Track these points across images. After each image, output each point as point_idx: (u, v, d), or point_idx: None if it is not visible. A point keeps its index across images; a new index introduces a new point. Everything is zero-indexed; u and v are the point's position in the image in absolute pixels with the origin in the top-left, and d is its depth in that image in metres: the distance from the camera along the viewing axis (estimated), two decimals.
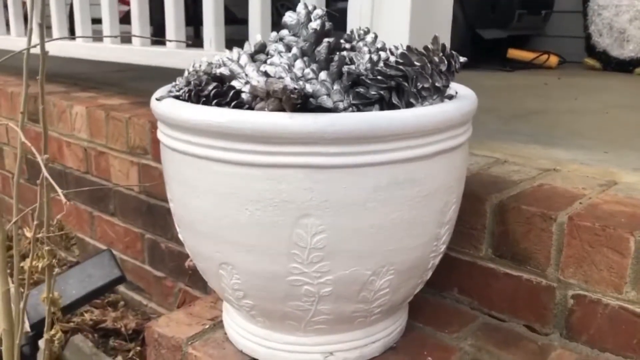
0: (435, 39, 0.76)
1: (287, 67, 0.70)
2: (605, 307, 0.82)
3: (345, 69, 0.72)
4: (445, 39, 1.14)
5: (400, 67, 0.71)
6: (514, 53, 2.97)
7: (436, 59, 0.73)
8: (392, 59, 0.75)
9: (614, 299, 0.81)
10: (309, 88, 0.67)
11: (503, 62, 2.91)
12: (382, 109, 0.70)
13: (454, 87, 0.81)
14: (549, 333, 0.88)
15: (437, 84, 0.73)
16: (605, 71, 2.78)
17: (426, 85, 0.71)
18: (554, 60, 2.88)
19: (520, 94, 2.16)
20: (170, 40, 1.49)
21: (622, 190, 0.96)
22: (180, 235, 0.80)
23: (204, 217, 0.70)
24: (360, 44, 0.81)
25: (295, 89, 0.62)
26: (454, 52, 0.75)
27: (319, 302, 0.70)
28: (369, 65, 0.74)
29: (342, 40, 0.82)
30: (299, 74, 0.69)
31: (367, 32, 0.85)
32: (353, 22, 1.11)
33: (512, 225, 0.90)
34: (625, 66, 2.72)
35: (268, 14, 1.32)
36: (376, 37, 0.84)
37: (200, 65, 0.82)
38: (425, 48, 0.74)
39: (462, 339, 0.87)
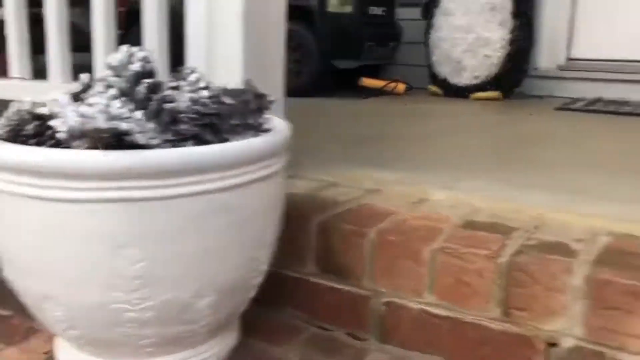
0: (247, 82, 0.85)
1: (104, 106, 0.75)
2: (410, 310, 0.94)
3: (167, 106, 0.78)
4: (278, 77, 1.23)
5: (215, 105, 0.79)
6: (366, 81, 3.18)
7: (248, 98, 0.82)
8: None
9: (416, 302, 0.93)
10: (124, 126, 0.72)
11: (357, 90, 3.11)
12: (199, 144, 0.77)
13: (275, 122, 0.89)
14: (367, 338, 0.98)
15: (249, 121, 0.81)
16: (446, 97, 3.07)
17: (238, 122, 0.79)
18: (401, 87, 3.13)
19: (365, 121, 2.32)
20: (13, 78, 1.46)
21: (430, 207, 1.09)
22: (3, 273, 0.81)
23: (24, 254, 0.72)
24: (183, 82, 0.88)
25: (106, 128, 0.67)
26: (265, 93, 0.84)
27: (143, 326, 0.75)
28: (189, 103, 0.81)
29: (169, 79, 0.88)
30: (116, 113, 0.74)
31: (192, 72, 0.92)
32: (192, 62, 1.17)
33: (333, 243, 0.99)
34: (462, 92, 3.02)
35: (113, 45, 1.34)
36: (200, 76, 0.90)
37: (24, 105, 0.84)
38: (240, 90, 0.83)
39: (292, 351, 0.95)
